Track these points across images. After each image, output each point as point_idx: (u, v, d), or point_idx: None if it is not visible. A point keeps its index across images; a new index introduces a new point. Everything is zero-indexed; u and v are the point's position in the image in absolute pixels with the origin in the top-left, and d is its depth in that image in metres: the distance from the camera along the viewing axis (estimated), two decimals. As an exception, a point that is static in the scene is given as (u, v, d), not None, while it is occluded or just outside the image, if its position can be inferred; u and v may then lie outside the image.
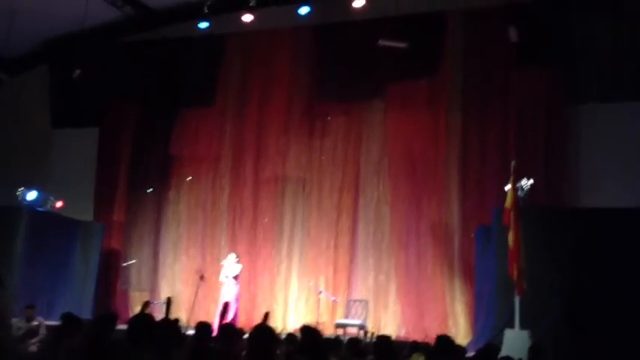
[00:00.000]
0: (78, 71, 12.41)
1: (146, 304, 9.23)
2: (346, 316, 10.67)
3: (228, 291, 10.61)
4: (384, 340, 4.46)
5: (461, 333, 10.52)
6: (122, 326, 5.54)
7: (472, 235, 10.65)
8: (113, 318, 4.60)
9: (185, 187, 13.08)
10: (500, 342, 8.04)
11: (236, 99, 13.00)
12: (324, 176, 12.15)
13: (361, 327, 10.13)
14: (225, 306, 7.97)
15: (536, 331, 8.01)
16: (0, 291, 9.42)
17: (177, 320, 5.47)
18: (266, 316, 7.53)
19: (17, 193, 11.36)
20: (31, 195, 11.48)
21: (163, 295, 12.25)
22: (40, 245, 11.40)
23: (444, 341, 4.33)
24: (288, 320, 11.66)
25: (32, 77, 14.38)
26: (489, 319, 9.31)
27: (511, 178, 8.67)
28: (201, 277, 10.19)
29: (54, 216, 12.00)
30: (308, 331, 3.90)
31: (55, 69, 14.25)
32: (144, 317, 3.56)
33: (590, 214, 9.04)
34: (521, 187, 8.85)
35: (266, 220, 12.28)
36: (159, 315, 10.37)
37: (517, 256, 8.14)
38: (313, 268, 11.77)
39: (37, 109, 14.24)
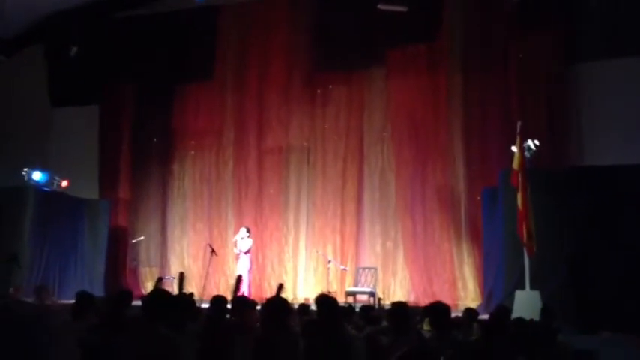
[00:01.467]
0: (75, 49, 12.29)
1: (159, 280, 9.29)
2: (356, 284, 10.74)
3: (241, 265, 10.69)
4: (400, 305, 4.46)
5: (470, 296, 10.64)
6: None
7: (478, 198, 10.65)
8: (128, 295, 4.63)
9: (189, 162, 13.07)
10: (511, 303, 8.08)
11: (235, 71, 12.88)
12: (328, 145, 12.10)
13: (371, 294, 10.20)
14: (239, 279, 8.02)
15: (545, 292, 8.05)
16: (17, 270, 9.51)
17: (191, 294, 5.50)
18: (280, 287, 7.56)
19: (23, 174, 11.35)
20: (37, 175, 11.48)
21: (173, 270, 12.34)
22: (48, 225, 11.46)
23: (436, 307, 4.34)
24: (297, 290, 11.75)
25: (28, 57, 14.20)
26: (498, 281, 9.37)
27: (517, 140, 8.62)
28: (213, 252, 10.22)
29: (60, 195, 12.01)
30: (324, 299, 3.90)
31: (51, 48, 14.08)
32: (159, 292, 3.57)
33: (595, 173, 8.99)
34: (528, 147, 8.80)
35: (271, 191, 12.27)
36: (172, 290, 10.48)
37: (526, 218, 8.14)
38: (321, 238, 11.81)
39: (35, 89, 14.12)
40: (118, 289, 11.88)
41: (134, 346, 3.03)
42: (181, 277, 7.95)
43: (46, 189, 11.72)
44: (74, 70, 13.28)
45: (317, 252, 11.58)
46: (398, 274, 11.32)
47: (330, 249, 11.58)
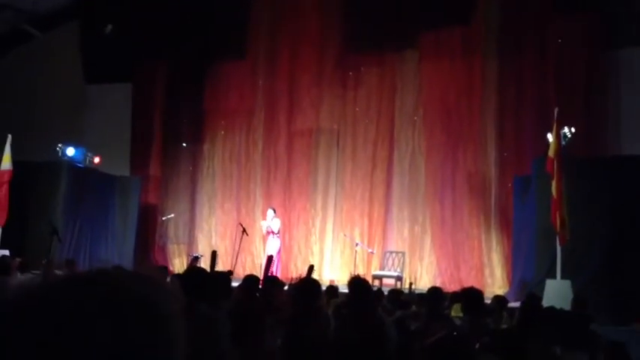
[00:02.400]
0: (110, 26, 12.37)
1: (195, 259, 9.39)
2: (382, 268, 10.73)
3: (271, 245, 10.74)
4: (435, 291, 4.45)
5: (497, 283, 10.56)
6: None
7: (509, 185, 10.52)
8: (165, 270, 4.70)
9: (219, 141, 13.14)
10: (541, 292, 7.99)
11: (267, 51, 12.85)
12: (358, 128, 12.04)
13: (398, 278, 10.18)
14: (270, 259, 8.06)
15: (576, 282, 7.93)
16: (56, 243, 9.67)
17: (230, 272, 5.53)
18: (310, 269, 7.58)
19: (57, 149, 11.54)
20: (70, 151, 11.66)
21: (201, 248, 12.49)
22: (79, 200, 11.67)
23: (470, 293, 4.30)
24: (323, 272, 11.77)
25: (63, 33, 14.34)
26: (528, 269, 9.26)
27: (554, 126, 8.45)
28: (244, 231, 10.26)
29: (92, 171, 12.21)
30: (358, 282, 3.89)
31: (86, 24, 14.20)
32: (197, 270, 3.60)
33: (631, 162, 8.79)
34: (564, 134, 8.63)
35: (300, 173, 12.28)
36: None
37: (560, 206, 8.01)
38: (348, 221, 11.81)
39: (69, 65, 14.27)
40: (147, 265, 12.15)
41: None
42: (214, 255, 8.01)
43: (78, 165, 11.92)
44: (109, 48, 13.38)
45: (344, 235, 11.57)
46: (425, 259, 11.28)
47: (357, 232, 11.57)
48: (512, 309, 6.34)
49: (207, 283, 3.25)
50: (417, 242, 11.38)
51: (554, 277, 8.17)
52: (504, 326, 4.81)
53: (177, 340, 0.67)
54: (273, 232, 10.79)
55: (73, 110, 13.96)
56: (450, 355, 3.09)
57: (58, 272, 8.68)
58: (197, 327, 2.92)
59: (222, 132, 13.16)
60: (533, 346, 3.22)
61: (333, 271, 11.71)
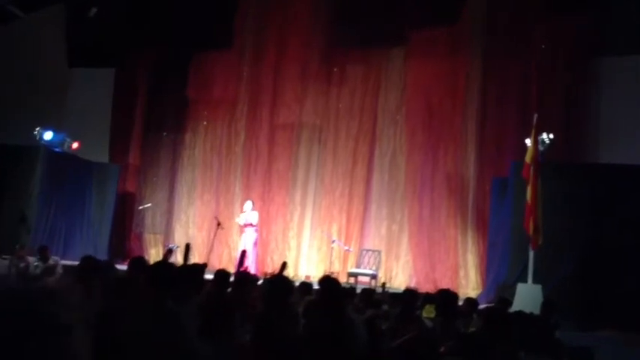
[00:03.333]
0: (94, 9, 12.21)
1: (169, 252, 9.31)
2: (358, 266, 10.75)
3: (248, 238, 10.70)
4: (410, 293, 4.48)
5: (471, 285, 10.64)
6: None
7: (487, 187, 10.61)
8: (143, 262, 4.67)
9: (201, 131, 13.06)
10: (512, 295, 8.09)
11: (253, 42, 12.77)
12: (341, 124, 12.04)
13: (373, 276, 10.22)
14: (243, 253, 8.03)
15: (547, 286, 8.04)
16: (25, 233, 9.56)
17: (204, 265, 5.48)
18: (283, 266, 7.56)
19: (34, 133, 11.36)
20: (48, 135, 11.49)
21: (177, 238, 12.43)
22: (56, 186, 11.51)
23: (446, 295, 4.35)
24: (300, 268, 11.79)
25: (48, 14, 14.07)
26: (501, 272, 9.36)
27: (532, 132, 8.53)
28: (219, 225, 10.23)
29: (70, 157, 12.05)
30: (328, 281, 3.90)
31: (71, 6, 13.98)
32: (165, 265, 3.58)
33: (608, 171, 8.91)
34: (542, 140, 8.72)
35: (281, 166, 12.26)
36: (176, 259, 10.53)
37: (534, 211, 8.11)
38: (326, 217, 11.82)
39: (53, 48, 14.05)
40: (122, 255, 12.06)
41: (140, 317, 3.04)
42: (187, 248, 7.96)
43: (56, 149, 11.75)
44: (93, 32, 13.21)
45: (322, 231, 11.59)
46: (401, 258, 11.34)
47: (335, 228, 11.60)
48: (484, 311, 6.39)
49: (174, 278, 3.22)
50: (393, 241, 11.43)
51: (525, 281, 8.27)
52: (473, 329, 4.85)
53: (77, 345, 0.74)
54: (251, 225, 10.74)
55: (54, 93, 13.75)
56: (416, 357, 3.12)
57: (30, 258, 8.62)
58: (162, 322, 2.91)
59: (205, 122, 13.07)
60: (498, 350, 3.26)
61: (310, 267, 11.72)
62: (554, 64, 10.66)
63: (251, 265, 10.28)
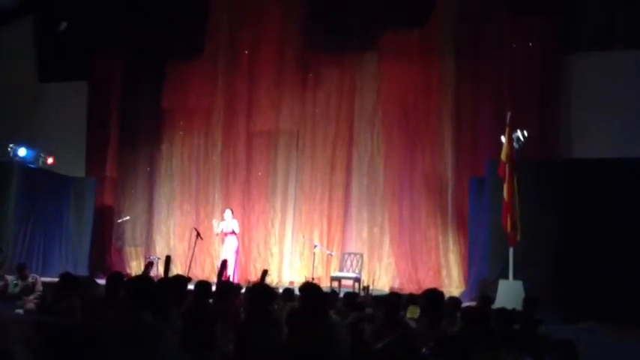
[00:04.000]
0: (64, 24, 12.09)
1: (149, 265, 9.21)
2: (341, 269, 10.75)
3: (229, 246, 10.64)
4: (393, 296, 4.51)
5: (454, 283, 10.71)
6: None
7: (466, 186, 10.71)
8: (120, 277, 4.63)
9: (178, 141, 12.96)
10: (494, 292, 8.16)
11: (226, 50, 12.71)
12: (318, 129, 12.05)
13: (356, 279, 10.24)
14: (224, 264, 7.98)
15: (528, 282, 8.13)
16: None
17: (188, 279, 5.43)
18: (264, 274, 7.54)
19: (8, 150, 11.21)
20: (22, 151, 11.35)
21: (159, 250, 12.34)
22: (32, 202, 11.38)
23: (432, 295, 4.38)
24: (283, 274, 11.77)
25: (17, 29, 13.93)
26: (482, 270, 9.44)
27: (506, 130, 8.64)
28: (198, 235, 10.17)
29: (46, 172, 11.91)
30: (308, 288, 3.91)
31: (40, 21, 13.83)
32: (143, 280, 3.56)
33: (582, 166, 9.05)
34: (517, 138, 8.82)
35: (259, 174, 12.23)
36: (157, 271, 10.45)
37: (511, 208, 8.20)
38: (307, 222, 11.82)
39: (23, 63, 13.89)
40: (103, 269, 11.93)
41: (119, 332, 3.03)
42: (167, 260, 7.90)
43: (31, 165, 11.62)
44: (64, 45, 13.08)
45: (303, 236, 11.59)
46: (384, 260, 11.38)
47: (316, 233, 11.60)
48: (465, 310, 6.44)
49: (153, 292, 3.21)
50: (375, 243, 11.46)
51: (507, 277, 8.35)
52: (455, 328, 4.88)
53: None
54: (234, 233, 10.69)
55: (25, 109, 13.58)
56: (398, 359, 3.14)
57: (8, 277, 8.49)
58: (141, 335, 2.90)
59: (181, 132, 12.98)
60: (477, 350, 3.29)
61: (293, 273, 11.71)
62: (526, 62, 10.81)
63: (233, 274, 10.24)
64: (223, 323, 4.23)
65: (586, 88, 10.48)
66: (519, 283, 8.13)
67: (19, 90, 13.71)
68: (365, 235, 11.53)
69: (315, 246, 10.79)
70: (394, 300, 4.66)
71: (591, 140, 10.11)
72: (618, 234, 8.27)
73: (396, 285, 10.92)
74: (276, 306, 5.23)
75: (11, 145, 11.28)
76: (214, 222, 10.80)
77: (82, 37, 13.00)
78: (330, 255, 11.18)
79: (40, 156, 11.81)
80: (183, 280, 5.28)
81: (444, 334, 4.09)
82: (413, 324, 4.82)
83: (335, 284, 10.12)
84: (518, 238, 8.22)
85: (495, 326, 4.83)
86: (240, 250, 11.16)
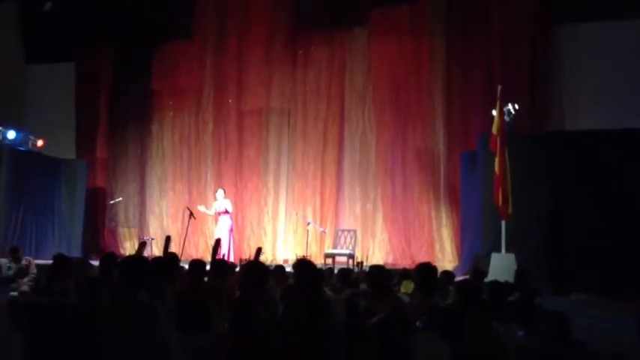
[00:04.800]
0: (49, 4, 11.91)
1: (142, 245, 9.20)
2: (335, 246, 10.80)
3: (222, 225, 10.65)
4: (377, 269, 4.51)
5: (447, 258, 10.79)
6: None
7: (458, 161, 10.73)
8: (114, 258, 4.63)
9: (168, 122, 12.91)
10: (487, 265, 8.22)
11: (215, 30, 12.62)
12: (309, 107, 12.01)
13: (350, 256, 10.29)
14: (218, 242, 7.99)
15: (520, 255, 8.18)
16: None
17: (175, 256, 5.43)
18: (258, 252, 7.55)
19: (-4, 133, 11.12)
20: (11, 134, 11.25)
21: (152, 230, 12.36)
22: (23, 185, 11.30)
23: (426, 269, 4.39)
24: (277, 252, 11.82)
25: (2, 10, 13.73)
26: (475, 244, 9.50)
27: (497, 104, 8.63)
28: (191, 215, 10.17)
29: (36, 155, 11.82)
30: (302, 264, 3.92)
31: (25, 1, 13.60)
32: (137, 259, 3.56)
33: (572, 138, 9.05)
34: (508, 111, 8.82)
35: (251, 153, 12.21)
36: (151, 251, 10.46)
37: (503, 182, 8.22)
38: (300, 200, 11.83)
39: (8, 44, 13.69)
40: (96, 251, 11.93)
41: (114, 312, 3.04)
42: (167, 240, 7.87)
43: (20, 148, 11.52)
44: (50, 26, 12.91)
45: (296, 214, 11.61)
46: (377, 236, 11.42)
47: (309, 211, 11.63)
48: (459, 284, 6.48)
49: (147, 271, 3.21)
50: (368, 219, 11.50)
51: (499, 250, 8.41)
52: (449, 302, 4.92)
53: None
54: (227, 212, 10.68)
55: (12, 91, 13.42)
56: (390, 334, 3.16)
57: (2, 260, 8.48)
58: (136, 314, 2.90)
59: (171, 113, 12.92)
60: (471, 322, 3.32)
61: (287, 251, 11.76)
62: (516, 35, 10.76)
63: (228, 252, 10.26)
64: (218, 301, 4.24)
65: (578, 59, 10.44)
66: (512, 256, 8.18)
67: (5, 72, 13.52)
68: (358, 211, 11.56)
69: (309, 223, 10.82)
70: (378, 272, 4.63)
71: (584, 112, 10.10)
72: (610, 206, 8.30)
73: (390, 260, 10.97)
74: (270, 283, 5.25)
75: (0, 128, 11.16)
76: (200, 208, 10.75)
77: (70, 18, 12.85)
78: (324, 232, 11.21)
79: (30, 138, 11.72)
80: (174, 258, 5.29)
81: (437, 307, 4.12)
82: (406, 298, 4.86)
83: (329, 261, 10.16)
84: (510, 211, 8.26)
85: (488, 299, 4.88)
86: (234, 229, 11.17)
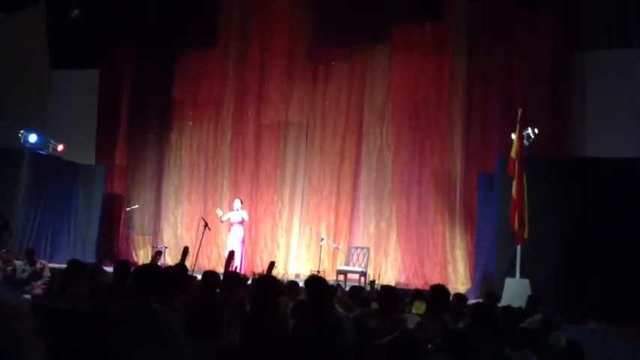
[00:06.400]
0: (76, 11, 12.10)
1: (158, 254, 9.23)
2: (347, 263, 10.75)
3: (235, 236, 10.66)
4: (388, 289, 4.49)
5: (460, 280, 10.68)
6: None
7: (475, 182, 10.66)
8: (128, 265, 4.66)
9: (187, 131, 13.00)
10: (501, 290, 8.14)
11: (237, 41, 12.73)
12: (327, 122, 12.03)
13: (362, 274, 10.24)
14: (231, 254, 7.99)
15: (535, 281, 8.09)
16: (8, 237, 9.48)
17: (185, 268, 5.46)
18: (271, 266, 7.53)
19: (19, 136, 11.27)
20: (33, 137, 11.40)
21: (166, 239, 12.40)
22: (42, 188, 11.45)
23: (439, 291, 4.36)
24: (289, 266, 11.79)
25: (29, 15, 13.93)
26: (489, 267, 9.41)
27: (517, 127, 8.58)
28: (206, 225, 10.18)
29: (56, 159, 11.97)
30: (314, 281, 3.91)
31: (52, 7, 13.85)
32: (150, 268, 3.57)
33: (593, 164, 8.98)
34: (527, 135, 8.77)
35: (268, 165, 12.23)
36: (164, 259, 10.49)
37: (519, 206, 8.16)
38: (315, 215, 11.82)
39: (34, 49, 13.91)
40: (110, 256, 12.00)
41: (126, 319, 3.04)
42: (185, 251, 7.89)
43: (41, 152, 11.67)
44: (76, 32, 13.10)
45: (310, 229, 11.59)
46: (390, 255, 11.36)
47: (323, 227, 11.60)
48: (472, 307, 6.42)
49: (158, 280, 3.22)
50: (382, 238, 11.44)
51: (513, 275, 8.32)
52: (461, 325, 4.87)
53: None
54: (242, 223, 10.69)
55: (37, 95, 13.62)
56: (402, 355, 3.13)
57: (17, 262, 8.56)
58: (148, 324, 2.90)
59: (190, 122, 13.02)
60: (484, 346, 3.28)
61: (299, 265, 11.73)
62: (538, 59, 10.71)
63: (240, 264, 10.26)
64: (229, 313, 4.24)
65: (600, 85, 10.36)
66: (526, 282, 8.10)
67: (30, 76, 13.74)
68: (372, 229, 11.51)
69: (322, 239, 10.80)
70: (388, 292, 4.60)
71: (605, 139, 9.99)
72: (627, 235, 8.20)
73: (402, 280, 10.91)
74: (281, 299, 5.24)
75: (22, 132, 11.33)
76: (218, 211, 10.80)
77: (95, 25, 13.01)
78: (337, 248, 11.18)
79: (51, 143, 11.88)
80: (183, 268, 5.31)
81: (449, 330, 4.08)
82: (418, 319, 4.82)
83: (341, 278, 10.12)
84: (526, 236, 8.18)
85: (502, 324, 4.82)
86: (247, 240, 11.18)
